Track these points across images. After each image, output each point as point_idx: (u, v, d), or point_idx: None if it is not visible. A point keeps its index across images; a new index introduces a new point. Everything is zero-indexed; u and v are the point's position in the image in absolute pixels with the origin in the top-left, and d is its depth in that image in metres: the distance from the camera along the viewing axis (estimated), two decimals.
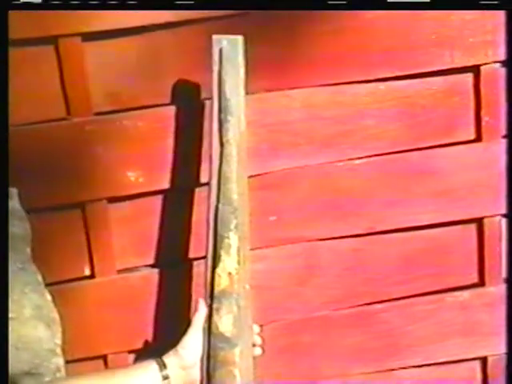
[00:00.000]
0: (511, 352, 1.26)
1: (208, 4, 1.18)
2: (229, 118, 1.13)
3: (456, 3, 1.24)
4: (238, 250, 1.13)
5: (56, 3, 1.15)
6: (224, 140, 1.14)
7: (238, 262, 1.13)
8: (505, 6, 1.24)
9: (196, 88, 1.25)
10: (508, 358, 1.27)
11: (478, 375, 1.45)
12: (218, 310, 1.12)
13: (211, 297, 1.13)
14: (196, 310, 1.13)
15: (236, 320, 1.12)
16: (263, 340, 1.18)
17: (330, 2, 1.20)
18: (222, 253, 1.13)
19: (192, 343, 1.11)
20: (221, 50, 1.13)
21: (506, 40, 1.27)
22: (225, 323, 1.12)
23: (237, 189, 1.13)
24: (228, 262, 1.13)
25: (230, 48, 1.13)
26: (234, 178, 1.13)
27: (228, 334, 1.12)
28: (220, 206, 1.13)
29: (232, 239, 1.13)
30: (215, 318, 1.12)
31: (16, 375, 1.11)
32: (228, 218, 1.13)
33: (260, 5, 1.19)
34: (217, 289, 1.13)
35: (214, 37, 1.13)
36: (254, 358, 1.16)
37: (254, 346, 1.17)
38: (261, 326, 1.19)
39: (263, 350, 1.18)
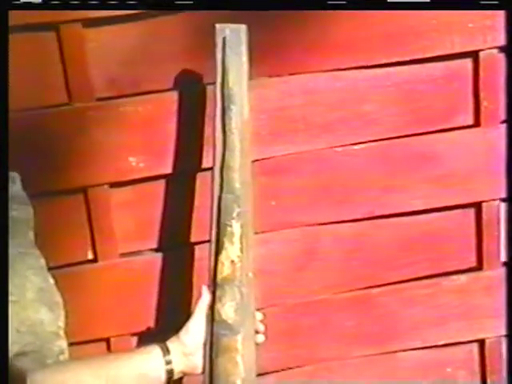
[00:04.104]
0: (511, 335, 1.27)
1: (207, 3, 1.18)
2: (231, 106, 1.13)
3: (456, 3, 1.23)
4: (241, 238, 1.13)
5: (56, 3, 1.16)
6: (226, 129, 1.14)
7: (241, 250, 1.13)
8: (505, 5, 1.23)
9: (196, 74, 1.26)
10: (508, 342, 1.27)
11: (476, 357, 1.46)
12: (220, 297, 1.13)
13: (214, 284, 1.14)
14: (199, 296, 1.14)
15: (238, 307, 1.13)
16: (266, 327, 1.18)
17: (330, 2, 1.20)
18: (225, 241, 1.13)
19: (195, 330, 1.12)
20: (224, 39, 1.13)
21: (506, 40, 1.27)
22: (227, 311, 1.12)
23: (239, 178, 1.14)
24: (231, 250, 1.13)
25: (233, 37, 1.13)
26: (236, 167, 1.14)
27: (230, 322, 1.12)
28: (223, 194, 1.14)
29: (235, 227, 1.13)
30: (218, 305, 1.13)
31: (18, 357, 1.12)
32: (231, 207, 1.13)
33: (259, 5, 1.19)
34: (219, 276, 1.13)
35: (218, 26, 1.14)
36: (257, 344, 1.17)
37: (256, 333, 1.17)
38: (264, 313, 1.19)
39: (266, 337, 1.18)
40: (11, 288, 1.16)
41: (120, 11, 1.20)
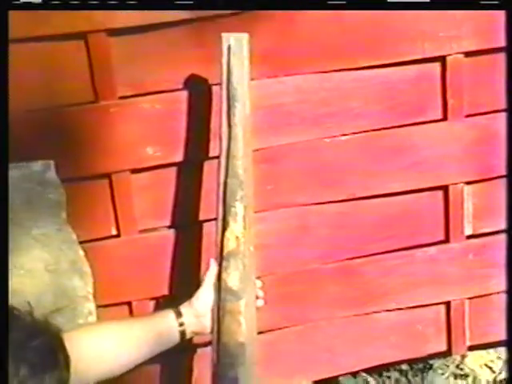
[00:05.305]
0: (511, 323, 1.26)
1: (207, 4, 1.24)
2: (235, 103, 1.22)
3: (456, 3, 1.26)
4: (244, 218, 1.21)
5: (56, 3, 1.16)
6: (231, 123, 1.22)
7: (244, 228, 1.21)
8: (505, 5, 1.24)
9: (205, 75, 1.35)
10: (508, 326, 1.26)
11: (443, 317, 1.57)
12: (226, 268, 1.20)
13: (221, 257, 1.21)
14: (208, 267, 1.22)
15: (242, 276, 1.20)
16: (265, 293, 1.25)
17: (330, 2, 1.24)
18: (230, 219, 1.21)
19: (204, 296, 1.20)
20: (229, 46, 1.23)
21: (507, 40, 1.31)
22: (232, 279, 1.19)
23: (242, 165, 1.22)
24: (235, 228, 1.21)
25: (237, 44, 1.23)
26: (240, 156, 1.22)
27: (235, 289, 1.19)
28: (228, 179, 1.21)
29: (238, 208, 1.21)
30: (224, 274, 1.20)
31: (52, 316, 1.19)
32: (235, 190, 1.21)
33: (260, 5, 1.26)
34: (225, 250, 1.20)
35: (223, 34, 1.24)
36: (257, 308, 1.24)
37: (257, 298, 1.24)
38: (262, 281, 1.26)
39: (265, 302, 1.25)
40: (50, 259, 1.29)
41: (140, 22, 1.28)
